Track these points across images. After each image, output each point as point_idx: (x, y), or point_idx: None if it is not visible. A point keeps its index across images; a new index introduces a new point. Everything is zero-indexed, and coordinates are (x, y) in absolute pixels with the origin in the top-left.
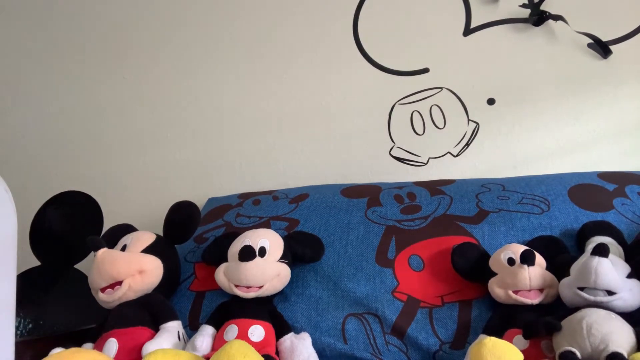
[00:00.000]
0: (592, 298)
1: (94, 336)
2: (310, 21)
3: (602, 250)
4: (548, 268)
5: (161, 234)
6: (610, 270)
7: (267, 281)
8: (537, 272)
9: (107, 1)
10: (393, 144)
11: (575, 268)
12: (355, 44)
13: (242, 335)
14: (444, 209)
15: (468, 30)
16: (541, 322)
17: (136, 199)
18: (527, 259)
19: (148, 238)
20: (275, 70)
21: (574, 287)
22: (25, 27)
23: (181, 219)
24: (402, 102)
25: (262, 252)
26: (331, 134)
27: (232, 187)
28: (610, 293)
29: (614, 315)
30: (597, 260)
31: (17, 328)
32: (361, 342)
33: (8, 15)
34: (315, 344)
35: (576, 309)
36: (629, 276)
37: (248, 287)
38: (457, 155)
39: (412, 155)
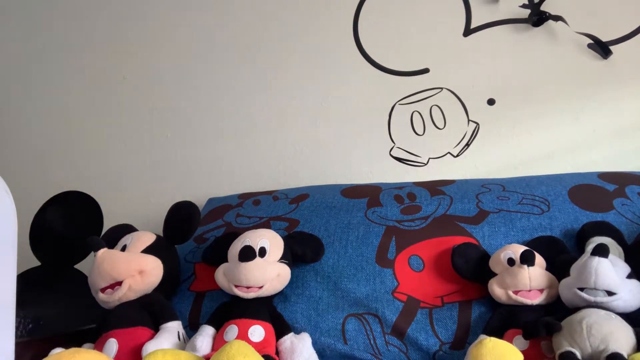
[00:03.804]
0: (592, 298)
1: (94, 336)
2: (311, 21)
3: (602, 251)
4: (548, 268)
5: (161, 234)
6: (610, 270)
7: (267, 281)
8: (537, 272)
9: (108, 2)
10: (393, 144)
11: (575, 269)
12: (355, 44)
13: (242, 336)
14: (444, 209)
15: (468, 31)
16: (541, 322)
17: (136, 199)
18: (527, 259)
19: (148, 238)
20: (275, 70)
21: (573, 288)
22: (26, 27)
23: (181, 219)
24: (402, 102)
25: (262, 252)
26: (331, 134)
27: (232, 187)
28: (610, 293)
29: (613, 315)
30: (597, 260)
31: (17, 328)
32: (361, 342)
33: (8, 16)
34: (315, 345)
35: (576, 309)
36: (629, 276)
37: (248, 288)
38: (457, 155)
39: (412, 155)
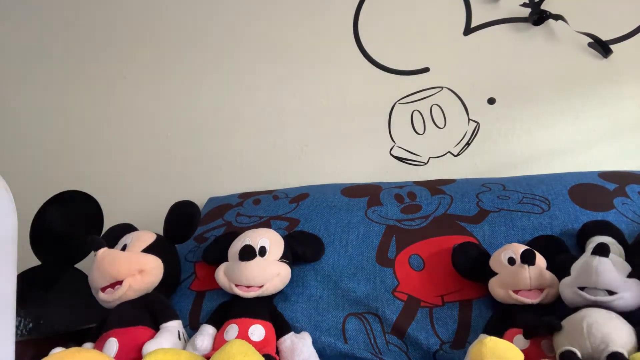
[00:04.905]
0: (592, 298)
1: (94, 336)
2: (311, 21)
3: (602, 250)
4: (548, 268)
5: (161, 233)
6: (610, 269)
7: (267, 281)
8: (537, 271)
9: (108, 1)
10: (393, 144)
11: (575, 268)
12: (356, 43)
13: (243, 335)
14: (444, 209)
15: (468, 30)
16: (542, 321)
17: (136, 199)
18: (527, 258)
19: (148, 238)
20: (275, 70)
21: (574, 287)
22: (26, 27)
23: (181, 219)
24: (402, 101)
25: (263, 251)
26: (331, 134)
27: (232, 187)
28: (610, 293)
29: (614, 315)
30: (598, 259)
31: (17, 327)
32: (361, 341)
33: (9, 16)
34: (315, 344)
35: (576, 308)
36: (630, 276)
37: (248, 287)
38: (458, 154)
39: (413, 154)
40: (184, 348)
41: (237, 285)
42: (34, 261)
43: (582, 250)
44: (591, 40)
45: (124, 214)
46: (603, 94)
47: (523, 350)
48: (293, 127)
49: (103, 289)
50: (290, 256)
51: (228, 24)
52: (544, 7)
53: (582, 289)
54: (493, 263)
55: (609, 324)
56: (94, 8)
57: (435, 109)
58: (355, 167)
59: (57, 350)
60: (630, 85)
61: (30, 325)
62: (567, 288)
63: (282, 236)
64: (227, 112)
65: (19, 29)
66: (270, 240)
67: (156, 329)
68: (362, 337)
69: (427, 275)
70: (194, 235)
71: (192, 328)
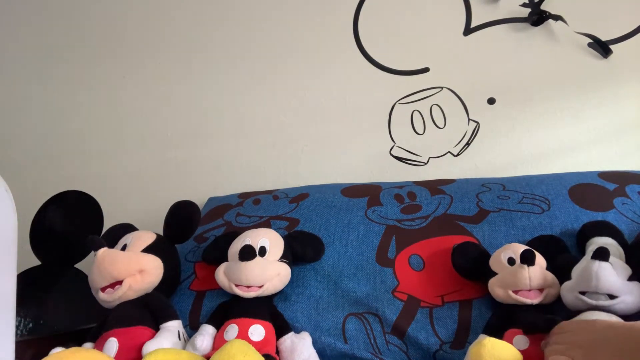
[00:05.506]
0: (593, 302)
1: (94, 336)
2: (311, 21)
3: (602, 255)
4: (548, 268)
5: (161, 233)
6: (611, 274)
7: (267, 281)
8: (537, 272)
9: (107, 1)
10: (393, 144)
11: (576, 272)
12: (356, 43)
13: (243, 335)
14: (444, 209)
15: (468, 30)
16: (544, 319)
17: (136, 199)
18: (527, 259)
19: (148, 237)
20: (275, 70)
21: (575, 292)
22: (25, 27)
23: (181, 219)
24: (402, 101)
25: (263, 251)
26: (331, 133)
27: (232, 187)
28: (611, 297)
29: (615, 318)
30: (598, 264)
31: (17, 327)
32: (361, 341)
33: (7, 15)
34: (315, 344)
35: (578, 311)
36: (630, 278)
37: (248, 287)
38: (458, 154)
39: (413, 154)
40: (184, 348)
41: (237, 285)
42: (34, 261)
43: (581, 251)
44: (591, 41)
45: (124, 214)
46: (603, 94)
47: (523, 351)
48: (293, 127)
49: (103, 289)
50: (290, 256)
51: (228, 25)
52: (543, 7)
53: (583, 293)
54: (493, 263)
55: None
56: (92, 8)
57: (435, 109)
58: (355, 167)
59: (57, 350)
60: (630, 85)
61: (31, 325)
62: (569, 293)
63: (282, 236)
64: (227, 111)
65: (19, 30)
66: (270, 240)
67: (156, 329)
68: (362, 337)
69: (427, 275)
70: (194, 235)
71: (192, 328)
